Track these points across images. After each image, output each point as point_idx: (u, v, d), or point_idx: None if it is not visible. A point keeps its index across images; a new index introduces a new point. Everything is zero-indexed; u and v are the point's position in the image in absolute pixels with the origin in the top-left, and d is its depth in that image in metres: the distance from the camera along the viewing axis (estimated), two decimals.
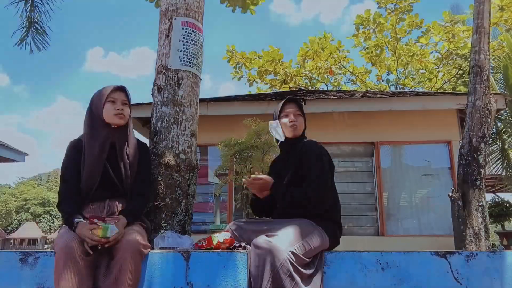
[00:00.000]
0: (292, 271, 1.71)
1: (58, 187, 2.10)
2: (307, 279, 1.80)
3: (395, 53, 12.01)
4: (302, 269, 1.77)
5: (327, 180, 2.04)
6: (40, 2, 5.75)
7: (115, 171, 2.09)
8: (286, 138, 2.26)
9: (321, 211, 2.02)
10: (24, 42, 5.73)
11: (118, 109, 2.11)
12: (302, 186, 2.05)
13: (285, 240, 1.79)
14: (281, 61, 12.46)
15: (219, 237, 2.05)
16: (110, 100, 2.12)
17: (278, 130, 2.27)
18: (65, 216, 1.95)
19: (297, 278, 1.71)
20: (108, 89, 2.15)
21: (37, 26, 5.77)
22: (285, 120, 2.26)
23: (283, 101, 2.32)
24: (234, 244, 2.05)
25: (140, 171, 2.18)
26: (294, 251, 1.76)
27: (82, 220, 1.88)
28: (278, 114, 2.31)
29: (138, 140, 2.28)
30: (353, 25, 11.99)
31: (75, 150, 2.11)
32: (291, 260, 1.72)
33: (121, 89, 2.16)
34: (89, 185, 2.04)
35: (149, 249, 1.94)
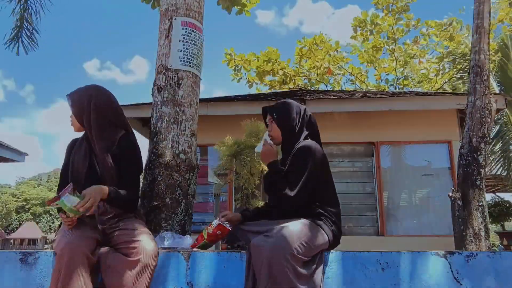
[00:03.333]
0: (291, 273, 1.71)
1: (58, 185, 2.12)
2: (306, 279, 1.80)
3: (393, 53, 12.03)
4: (301, 270, 1.77)
5: (302, 185, 1.97)
6: (33, 3, 5.78)
7: (101, 169, 2.06)
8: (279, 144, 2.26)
9: (289, 208, 2.00)
10: (14, 42, 5.76)
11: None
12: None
13: (284, 241, 1.77)
14: (278, 61, 12.47)
15: (208, 230, 2.05)
16: None
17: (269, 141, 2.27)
18: None
19: (295, 280, 1.71)
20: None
21: (28, 26, 5.79)
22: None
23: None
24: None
25: (123, 170, 2.09)
26: (292, 252, 1.75)
27: None
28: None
29: (127, 137, 2.18)
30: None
31: (70, 148, 2.16)
32: (289, 261, 1.72)
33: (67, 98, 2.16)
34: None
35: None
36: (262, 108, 2.32)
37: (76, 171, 2.05)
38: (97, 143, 2.09)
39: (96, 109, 2.12)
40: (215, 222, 2.06)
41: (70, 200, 1.74)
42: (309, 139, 2.16)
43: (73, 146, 2.15)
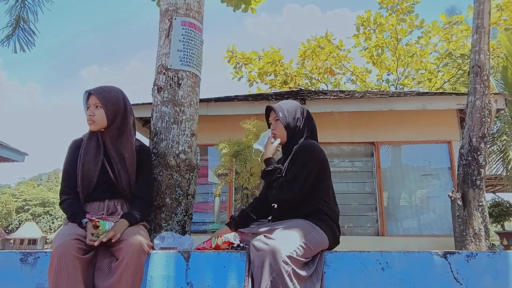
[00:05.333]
0: (291, 274, 1.71)
1: (59, 186, 2.12)
2: (305, 281, 1.80)
3: (395, 53, 12.02)
4: (300, 271, 1.77)
5: (300, 183, 2.01)
6: (31, 3, 5.76)
7: (113, 172, 2.09)
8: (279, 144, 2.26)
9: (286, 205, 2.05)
10: (9, 40, 5.74)
11: (89, 115, 2.09)
12: None
13: (283, 243, 1.77)
14: (281, 62, 12.50)
15: (218, 241, 2.05)
16: (88, 107, 2.11)
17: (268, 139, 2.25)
18: (70, 213, 1.98)
19: (295, 281, 1.71)
20: (83, 96, 2.13)
21: (24, 25, 5.77)
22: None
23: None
24: (232, 245, 2.05)
25: (142, 175, 2.17)
26: (291, 254, 1.75)
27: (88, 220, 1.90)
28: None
29: (140, 143, 2.27)
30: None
31: (76, 148, 2.13)
32: (289, 263, 1.72)
33: (91, 93, 2.10)
34: (85, 186, 2.05)
35: (152, 249, 1.95)
36: (266, 107, 2.33)
37: (87, 174, 2.05)
38: (123, 148, 2.12)
39: (131, 113, 2.18)
40: (226, 237, 2.05)
41: (109, 226, 1.89)
42: (309, 140, 2.18)
43: (78, 147, 2.13)
